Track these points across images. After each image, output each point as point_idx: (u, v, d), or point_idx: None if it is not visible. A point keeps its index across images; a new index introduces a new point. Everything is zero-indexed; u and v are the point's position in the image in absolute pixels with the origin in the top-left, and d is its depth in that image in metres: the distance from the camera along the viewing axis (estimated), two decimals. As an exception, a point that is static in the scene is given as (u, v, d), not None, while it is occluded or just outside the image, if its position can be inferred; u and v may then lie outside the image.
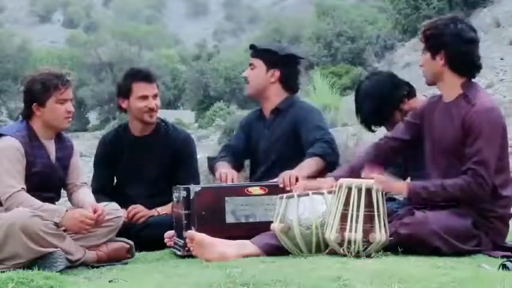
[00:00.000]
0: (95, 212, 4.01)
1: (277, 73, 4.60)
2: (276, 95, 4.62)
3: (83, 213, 3.98)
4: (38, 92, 4.11)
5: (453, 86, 3.71)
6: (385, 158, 3.98)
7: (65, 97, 4.13)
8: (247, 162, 4.91)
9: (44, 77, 4.11)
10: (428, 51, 3.75)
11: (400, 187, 3.65)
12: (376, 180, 3.50)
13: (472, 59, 3.70)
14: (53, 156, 4.19)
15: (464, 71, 3.71)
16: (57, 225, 3.92)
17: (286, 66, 4.61)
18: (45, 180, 4.11)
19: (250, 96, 4.77)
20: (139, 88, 4.69)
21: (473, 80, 3.75)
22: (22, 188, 3.98)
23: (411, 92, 4.27)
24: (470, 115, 3.59)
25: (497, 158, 3.59)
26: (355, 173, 3.80)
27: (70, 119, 4.20)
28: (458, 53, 3.67)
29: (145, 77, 4.71)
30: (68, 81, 4.16)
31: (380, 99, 4.21)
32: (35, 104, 4.12)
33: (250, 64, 4.69)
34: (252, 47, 4.76)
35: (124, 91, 4.75)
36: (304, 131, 4.44)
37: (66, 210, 4.00)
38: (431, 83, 3.82)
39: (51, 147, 4.20)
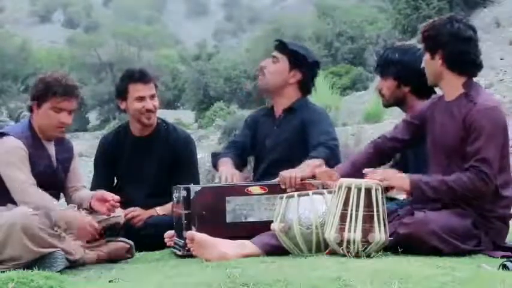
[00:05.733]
0: (106, 200, 4.09)
1: (298, 75, 4.59)
2: (290, 95, 4.62)
3: (91, 222, 4.01)
4: (38, 92, 4.12)
5: (454, 85, 3.71)
6: (385, 157, 4.00)
7: (62, 106, 4.10)
8: (250, 159, 4.90)
9: (49, 80, 4.10)
10: (427, 51, 3.76)
11: (402, 180, 3.63)
12: (378, 174, 3.51)
13: (470, 57, 3.70)
14: (53, 157, 4.19)
15: (464, 70, 3.70)
16: (55, 225, 3.91)
17: (308, 70, 4.61)
18: (47, 181, 4.10)
19: (264, 90, 4.70)
20: (136, 89, 4.69)
21: (474, 79, 3.75)
22: (33, 183, 3.98)
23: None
24: (471, 113, 3.58)
25: (499, 156, 3.58)
26: (356, 168, 3.80)
27: (62, 130, 4.17)
28: (456, 52, 3.67)
29: (141, 77, 4.70)
30: (71, 93, 4.12)
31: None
32: (34, 102, 4.13)
33: (274, 56, 4.64)
34: (280, 41, 4.69)
35: (121, 93, 4.76)
36: (311, 133, 4.44)
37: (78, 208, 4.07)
38: (432, 83, 3.83)
39: (51, 148, 4.20)
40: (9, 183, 3.98)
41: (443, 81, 3.75)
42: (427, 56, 3.76)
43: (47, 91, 4.08)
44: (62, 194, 4.36)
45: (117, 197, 4.14)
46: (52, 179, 4.16)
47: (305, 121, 4.51)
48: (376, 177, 3.53)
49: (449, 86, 3.73)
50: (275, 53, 4.64)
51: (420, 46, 4.01)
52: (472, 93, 3.65)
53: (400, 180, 3.61)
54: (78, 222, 3.97)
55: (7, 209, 3.97)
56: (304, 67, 4.59)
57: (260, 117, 4.77)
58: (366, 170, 3.60)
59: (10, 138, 4.06)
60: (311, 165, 4.12)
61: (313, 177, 3.98)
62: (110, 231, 4.17)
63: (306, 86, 4.65)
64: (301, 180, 3.97)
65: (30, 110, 4.18)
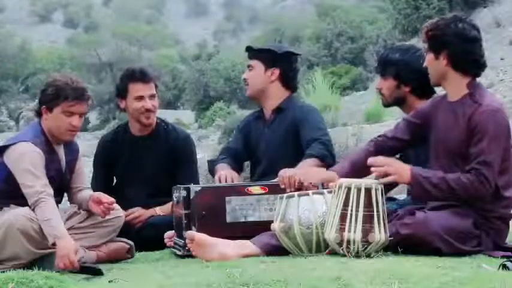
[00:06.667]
0: (101, 202, 4.06)
1: (276, 71, 4.62)
2: (276, 94, 4.64)
3: (71, 256, 3.77)
4: (49, 96, 4.09)
5: (458, 85, 3.70)
6: (385, 156, 3.97)
7: (73, 110, 4.08)
8: (246, 163, 4.91)
9: (59, 84, 4.08)
10: (431, 51, 3.74)
11: (403, 171, 3.59)
12: (381, 161, 3.52)
13: (475, 57, 3.69)
14: (63, 161, 4.19)
15: (468, 70, 3.69)
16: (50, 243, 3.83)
17: (285, 64, 4.64)
18: (56, 186, 4.07)
19: (250, 97, 4.79)
20: (136, 89, 4.69)
21: (477, 79, 3.74)
22: (49, 194, 3.91)
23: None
24: (476, 115, 3.57)
25: (501, 159, 3.58)
26: (356, 169, 3.79)
27: (74, 133, 4.15)
28: (461, 52, 3.66)
29: (141, 77, 4.70)
30: (82, 97, 4.11)
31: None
32: (44, 106, 4.11)
33: (249, 66, 4.71)
34: (248, 48, 4.77)
35: (121, 92, 4.76)
36: (303, 130, 4.45)
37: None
38: (436, 83, 3.80)
39: (61, 152, 4.19)
40: (25, 190, 3.92)
41: (447, 81, 3.73)
42: (430, 56, 3.73)
43: (58, 95, 4.06)
44: (63, 194, 4.35)
45: (112, 199, 4.11)
46: (60, 182, 4.15)
47: (296, 120, 4.52)
48: (379, 163, 3.53)
49: (453, 86, 3.71)
50: (249, 62, 4.72)
51: (420, 46, 4.00)
52: (477, 94, 3.64)
53: (402, 170, 3.59)
54: (62, 250, 3.75)
55: (10, 209, 3.96)
56: (280, 62, 4.62)
57: (251, 122, 4.80)
58: (370, 160, 3.60)
59: (28, 144, 4.01)
60: (307, 166, 4.12)
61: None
62: (86, 270, 3.84)
63: (288, 80, 4.66)
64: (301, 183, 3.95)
65: (39, 114, 4.14)
